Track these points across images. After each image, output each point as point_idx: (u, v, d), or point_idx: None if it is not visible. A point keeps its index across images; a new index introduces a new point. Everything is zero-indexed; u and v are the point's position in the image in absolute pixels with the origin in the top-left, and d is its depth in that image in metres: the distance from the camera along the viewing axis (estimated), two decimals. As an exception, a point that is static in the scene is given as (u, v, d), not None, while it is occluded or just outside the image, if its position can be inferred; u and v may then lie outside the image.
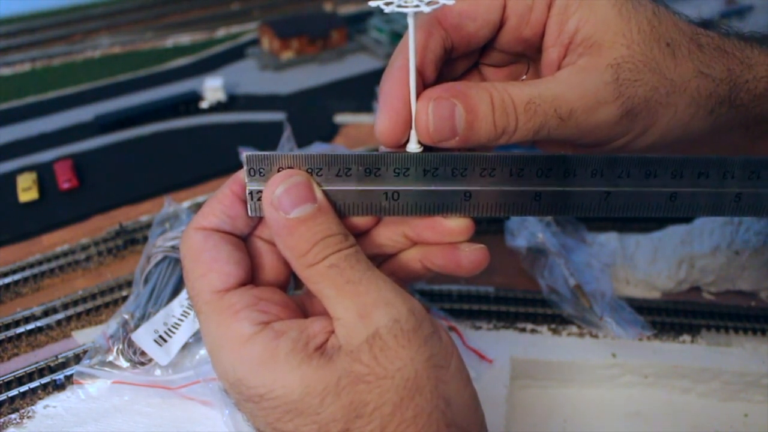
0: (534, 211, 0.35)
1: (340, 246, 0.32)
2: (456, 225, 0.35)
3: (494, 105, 0.33)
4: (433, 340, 0.31)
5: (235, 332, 0.31)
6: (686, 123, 0.36)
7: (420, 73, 0.33)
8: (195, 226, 0.34)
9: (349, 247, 0.32)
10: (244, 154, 0.33)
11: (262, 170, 0.33)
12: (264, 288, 0.34)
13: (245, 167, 0.33)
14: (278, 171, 0.33)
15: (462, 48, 0.36)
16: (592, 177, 0.34)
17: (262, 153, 0.33)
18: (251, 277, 0.35)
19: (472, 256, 0.36)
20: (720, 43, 0.36)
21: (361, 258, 0.32)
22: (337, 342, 0.30)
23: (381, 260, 0.39)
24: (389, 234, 0.37)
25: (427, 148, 0.34)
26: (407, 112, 0.33)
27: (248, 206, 0.34)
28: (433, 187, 0.34)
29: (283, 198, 0.32)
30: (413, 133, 0.33)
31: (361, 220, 0.36)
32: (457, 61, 0.38)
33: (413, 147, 0.34)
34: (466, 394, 0.32)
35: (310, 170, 0.33)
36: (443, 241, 0.36)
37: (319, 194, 0.33)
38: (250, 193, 0.34)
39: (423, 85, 0.34)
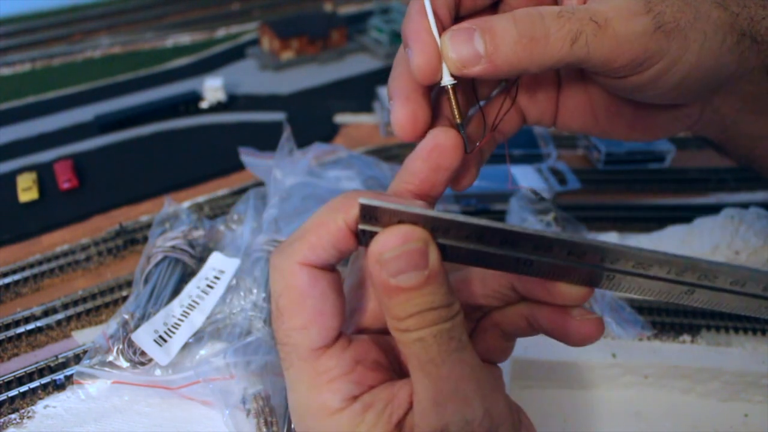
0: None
1: (436, 321, 0.28)
2: (571, 289, 0.31)
3: (516, 20, 0.31)
4: None
5: (324, 402, 0.30)
6: (716, 52, 0.34)
7: (436, 16, 0.32)
8: (301, 260, 0.29)
9: (446, 321, 0.28)
10: (360, 201, 0.28)
11: (376, 218, 0.29)
12: (360, 342, 0.32)
13: (360, 212, 0.29)
14: (398, 223, 0.28)
15: None
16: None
17: (382, 205, 0.28)
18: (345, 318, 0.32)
19: (582, 327, 0.31)
20: None
21: (455, 335, 0.28)
22: (412, 421, 0.30)
23: (485, 311, 0.36)
24: (497, 282, 0.34)
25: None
26: (437, 44, 0.32)
27: (359, 240, 0.30)
28: (572, 264, 0.29)
29: (391, 262, 0.28)
30: (444, 66, 0.33)
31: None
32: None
33: (447, 80, 0.33)
34: None
35: (434, 229, 0.29)
36: (554, 302, 0.32)
37: (432, 259, 0.28)
38: (363, 231, 0.29)
39: (442, 27, 0.33)
